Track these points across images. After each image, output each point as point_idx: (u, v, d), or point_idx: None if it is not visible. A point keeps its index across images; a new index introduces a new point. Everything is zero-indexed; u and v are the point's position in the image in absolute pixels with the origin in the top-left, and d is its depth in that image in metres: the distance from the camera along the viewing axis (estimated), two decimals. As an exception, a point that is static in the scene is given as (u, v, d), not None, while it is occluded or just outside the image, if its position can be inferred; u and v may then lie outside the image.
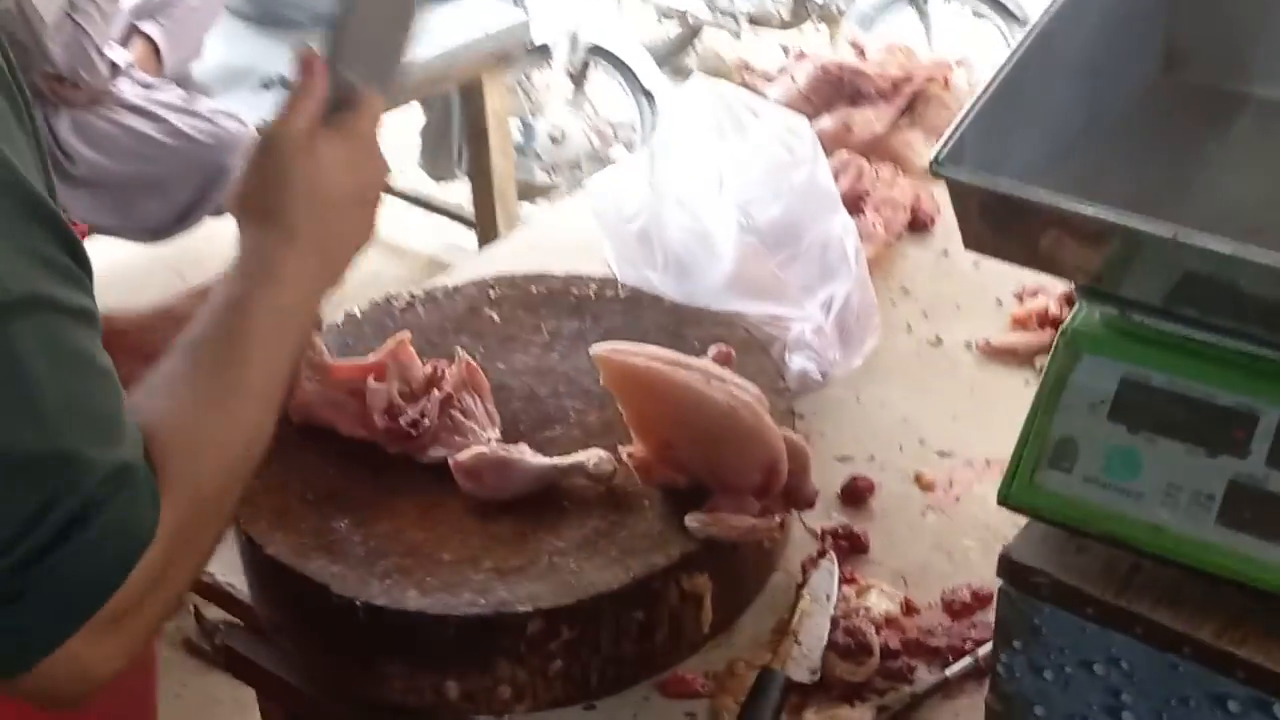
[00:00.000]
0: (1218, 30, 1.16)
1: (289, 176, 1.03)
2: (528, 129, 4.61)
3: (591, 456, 1.31)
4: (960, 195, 0.93)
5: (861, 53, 2.09)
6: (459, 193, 4.40)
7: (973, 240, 0.97)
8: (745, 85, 2.15)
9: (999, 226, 0.94)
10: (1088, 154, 1.05)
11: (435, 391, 1.37)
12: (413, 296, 1.63)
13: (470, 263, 1.79)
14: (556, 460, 1.32)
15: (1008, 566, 0.98)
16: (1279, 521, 0.89)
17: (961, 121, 0.92)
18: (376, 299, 1.63)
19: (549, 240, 1.93)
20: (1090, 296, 0.96)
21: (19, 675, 0.84)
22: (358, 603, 1.21)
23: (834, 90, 2.03)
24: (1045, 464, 0.96)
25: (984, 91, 0.94)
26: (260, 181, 1.04)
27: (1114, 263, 0.93)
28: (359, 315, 1.60)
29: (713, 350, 1.39)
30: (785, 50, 5.33)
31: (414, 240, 4.50)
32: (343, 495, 1.35)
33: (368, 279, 4.27)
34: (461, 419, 1.36)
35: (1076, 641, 0.96)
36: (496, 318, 1.59)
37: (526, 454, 1.32)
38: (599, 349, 1.29)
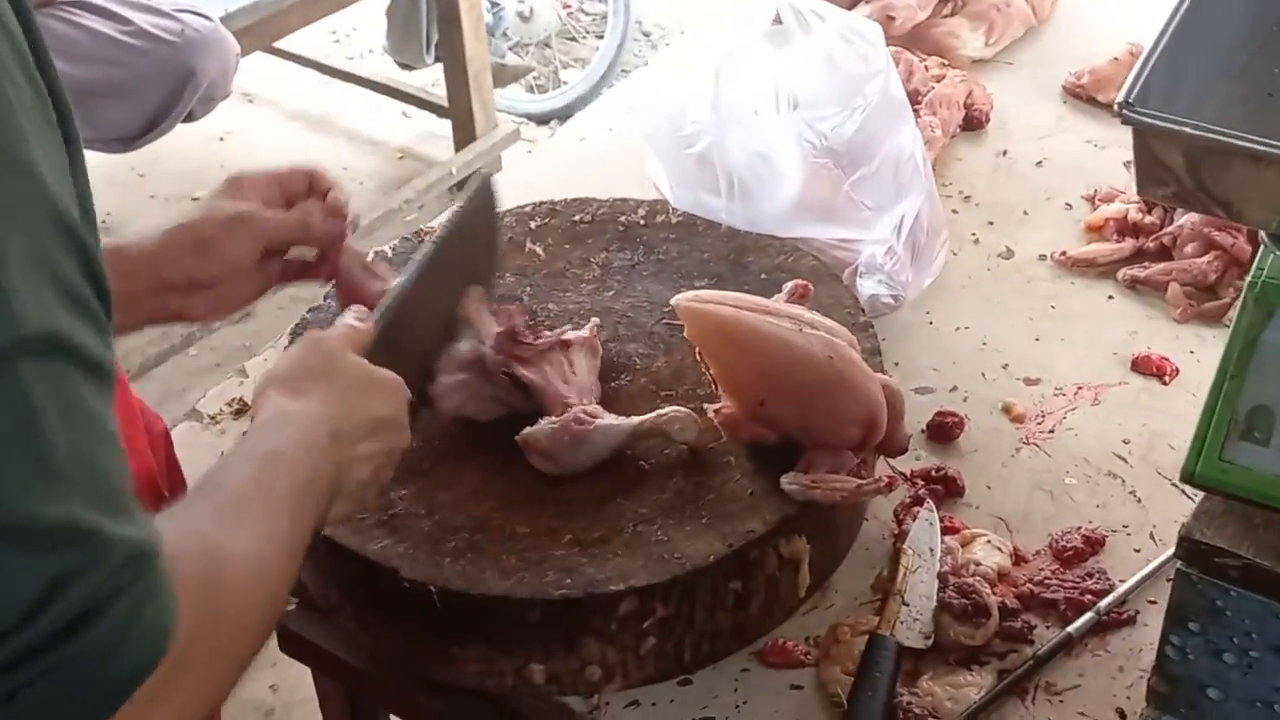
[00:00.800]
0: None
1: (331, 371, 1.05)
2: (495, 7, 4.45)
3: (675, 419, 1.23)
4: (1147, 141, 0.84)
5: (895, -68, 1.97)
6: (427, 78, 4.28)
7: (1150, 182, 0.88)
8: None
9: (1185, 169, 0.85)
10: (1252, 76, 0.96)
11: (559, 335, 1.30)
12: (445, 231, 1.53)
13: (507, 187, 1.67)
14: (635, 425, 1.23)
15: (1188, 547, 0.91)
16: None
17: (1147, 60, 0.84)
18: (406, 235, 1.54)
19: (577, 151, 1.85)
20: (1283, 245, 0.87)
21: None
22: (432, 588, 1.15)
23: (871, -26, 1.92)
24: (1236, 435, 0.89)
25: (1165, 27, 0.86)
26: (300, 365, 1.05)
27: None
28: (389, 253, 1.49)
29: (788, 287, 1.30)
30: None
31: (384, 131, 4.40)
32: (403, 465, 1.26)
33: (340, 172, 4.16)
34: (567, 369, 1.28)
35: (1265, 625, 0.91)
36: (541, 252, 1.51)
37: (602, 419, 1.23)
38: (682, 300, 1.21)
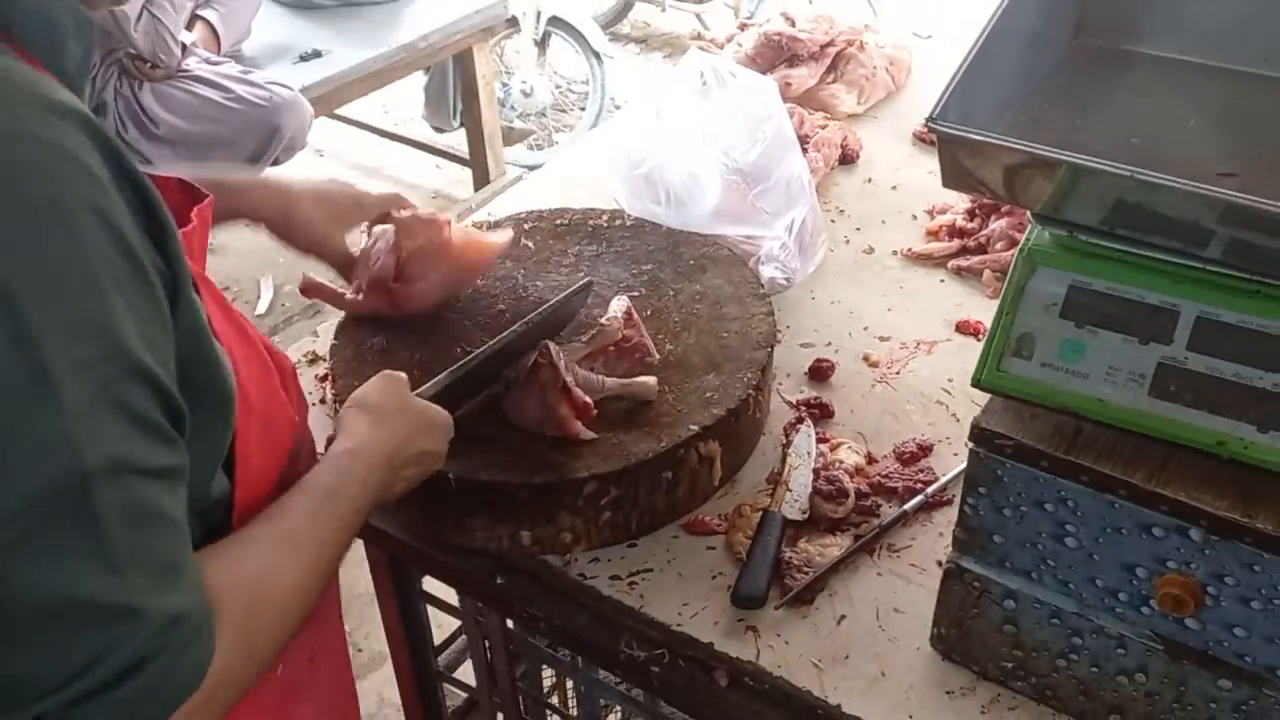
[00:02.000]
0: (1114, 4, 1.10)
1: (401, 406, 1.04)
2: (504, 87, 4.45)
3: (645, 385, 1.26)
4: (947, 143, 0.87)
5: (792, 22, 2.00)
6: (453, 139, 4.27)
7: (951, 178, 0.92)
8: (702, 50, 2.06)
9: (976, 167, 0.89)
10: (1026, 106, 1.00)
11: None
12: (460, 230, 1.55)
13: (504, 202, 1.69)
14: (617, 387, 1.25)
15: (978, 433, 0.94)
16: (1197, 392, 0.87)
17: (949, 87, 0.87)
18: None
19: (560, 180, 1.85)
20: (1043, 221, 0.92)
21: None
22: (450, 475, 1.16)
23: (775, 53, 1.94)
24: (1010, 353, 0.92)
25: (962, 63, 0.89)
26: (378, 393, 1.04)
27: (1060, 192, 0.88)
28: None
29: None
30: (700, 19, 5.18)
31: (420, 177, 4.36)
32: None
33: (388, 209, 4.15)
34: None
35: (1030, 487, 0.94)
36: (532, 245, 1.52)
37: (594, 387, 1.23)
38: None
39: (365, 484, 0.95)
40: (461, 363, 1.21)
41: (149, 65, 2.71)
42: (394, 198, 1.38)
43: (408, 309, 1.35)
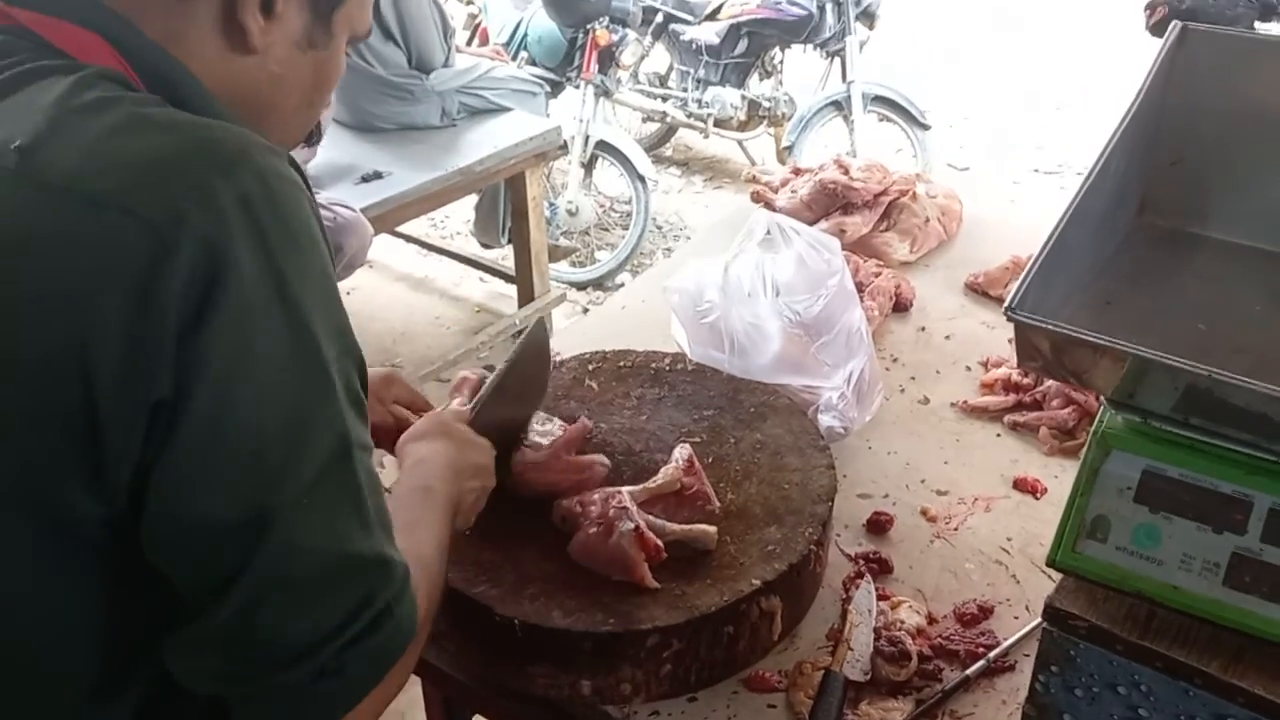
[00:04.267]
0: (1179, 186, 1.15)
1: (449, 436, 1.16)
2: (551, 206, 4.57)
3: (704, 533, 1.28)
4: (1024, 332, 0.90)
5: (846, 170, 2.07)
6: (498, 254, 4.39)
7: (1026, 358, 0.94)
8: (755, 195, 2.13)
9: (1051, 353, 0.92)
10: (1095, 287, 1.04)
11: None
12: (528, 369, 1.59)
13: (569, 338, 1.74)
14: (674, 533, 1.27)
15: (1051, 612, 0.94)
16: (1273, 584, 0.87)
17: (1026, 276, 0.90)
18: (478, 367, 1.57)
19: (620, 320, 1.89)
20: (1116, 406, 0.94)
21: None
22: (515, 621, 1.18)
23: (829, 200, 2.01)
24: (1084, 535, 0.93)
25: (1039, 253, 0.92)
26: (427, 428, 1.16)
27: (1132, 381, 0.91)
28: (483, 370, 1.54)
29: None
30: (742, 146, 5.32)
31: (467, 290, 4.46)
32: (492, 531, 1.30)
33: (433, 320, 4.24)
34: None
35: (1104, 669, 0.94)
36: (595, 386, 1.55)
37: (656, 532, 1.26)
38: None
39: (443, 484, 1.06)
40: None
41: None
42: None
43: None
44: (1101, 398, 0.95)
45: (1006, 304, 0.88)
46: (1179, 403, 0.91)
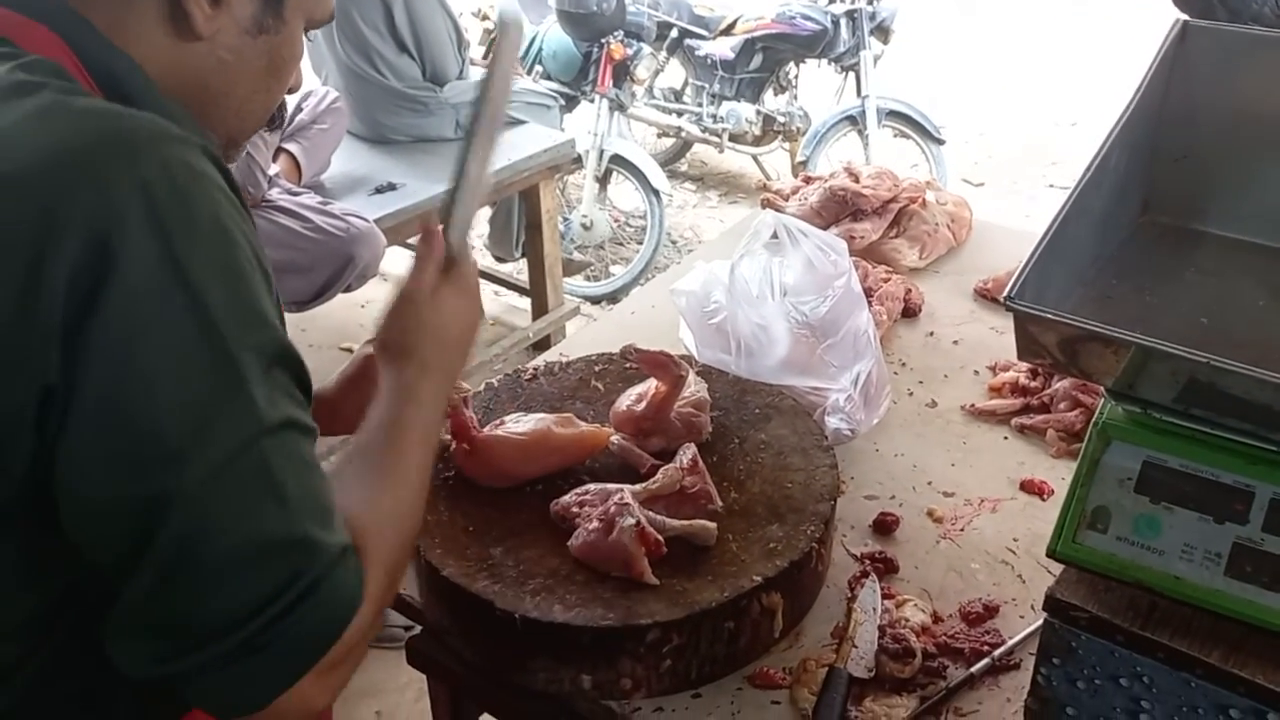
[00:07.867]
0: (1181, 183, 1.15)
1: (422, 324, 1.01)
2: (565, 220, 4.59)
3: (704, 529, 1.29)
4: (1023, 322, 0.91)
5: (856, 178, 2.08)
6: (512, 267, 4.39)
7: (1025, 352, 0.95)
8: (765, 201, 2.15)
9: (1050, 344, 0.92)
10: (1097, 282, 1.04)
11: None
12: (535, 370, 1.60)
13: (577, 341, 1.75)
14: (673, 529, 1.28)
15: (1052, 603, 0.95)
16: (1273, 574, 0.87)
17: (1025, 267, 0.91)
18: (508, 372, 1.60)
19: (629, 325, 1.90)
20: (1116, 397, 0.95)
21: (260, 709, 0.81)
22: (516, 616, 1.19)
23: (840, 207, 2.02)
24: (1085, 526, 0.94)
25: (1038, 245, 0.93)
26: (400, 330, 1.01)
27: (1133, 371, 0.91)
28: (495, 385, 1.56)
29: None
30: (757, 161, 5.33)
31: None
32: (496, 528, 1.32)
33: (447, 334, 4.25)
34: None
35: (1105, 661, 0.94)
36: (601, 387, 1.56)
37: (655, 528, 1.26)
38: None
39: (423, 403, 0.98)
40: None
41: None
42: None
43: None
44: (1101, 389, 0.95)
45: (1005, 293, 0.89)
46: (1180, 393, 0.91)
